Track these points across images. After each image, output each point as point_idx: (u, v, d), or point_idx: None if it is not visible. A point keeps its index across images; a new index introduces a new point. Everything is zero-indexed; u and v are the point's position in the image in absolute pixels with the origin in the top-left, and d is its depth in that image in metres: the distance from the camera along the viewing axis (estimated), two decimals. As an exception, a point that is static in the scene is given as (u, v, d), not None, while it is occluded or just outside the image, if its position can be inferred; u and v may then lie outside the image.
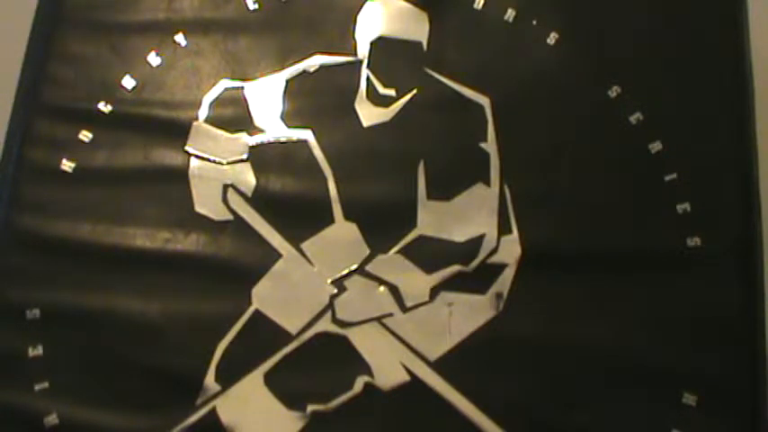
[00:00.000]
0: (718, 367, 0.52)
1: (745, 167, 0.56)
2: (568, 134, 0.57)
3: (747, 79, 0.57)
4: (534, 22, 0.59)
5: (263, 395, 0.53)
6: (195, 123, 0.59)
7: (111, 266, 0.56)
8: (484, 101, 0.58)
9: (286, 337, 0.54)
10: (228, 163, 0.58)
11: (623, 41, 0.58)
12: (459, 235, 0.55)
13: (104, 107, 0.60)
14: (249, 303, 0.54)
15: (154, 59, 0.61)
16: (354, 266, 0.55)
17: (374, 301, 0.54)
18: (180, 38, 0.61)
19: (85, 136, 0.59)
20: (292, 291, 0.54)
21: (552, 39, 0.59)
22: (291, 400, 0.52)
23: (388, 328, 0.54)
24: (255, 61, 0.60)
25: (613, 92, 0.57)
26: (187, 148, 0.58)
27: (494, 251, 0.55)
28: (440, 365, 0.53)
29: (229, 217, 0.57)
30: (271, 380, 0.53)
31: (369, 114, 0.58)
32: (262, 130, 0.58)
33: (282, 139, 0.58)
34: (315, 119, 0.58)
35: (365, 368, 0.52)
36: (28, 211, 0.58)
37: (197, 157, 0.58)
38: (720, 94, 0.57)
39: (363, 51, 0.59)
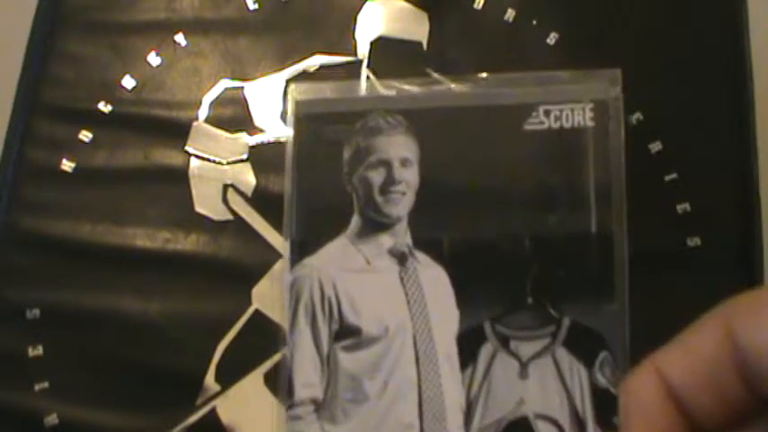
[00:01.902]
0: (718, 367, 0.52)
1: (745, 167, 0.56)
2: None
3: (747, 79, 0.57)
4: (534, 22, 0.59)
5: (263, 395, 0.53)
6: (195, 123, 0.59)
7: (111, 266, 0.56)
8: (483, 101, 0.58)
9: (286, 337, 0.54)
10: (228, 163, 0.58)
11: (623, 42, 0.58)
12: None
13: (104, 107, 0.60)
14: (249, 303, 0.54)
15: (154, 59, 0.61)
16: (354, 267, 0.55)
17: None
18: (180, 38, 0.61)
19: (85, 136, 0.59)
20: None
21: (552, 39, 0.59)
22: (291, 400, 0.52)
23: (387, 329, 0.54)
24: (255, 61, 0.60)
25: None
26: (187, 148, 0.58)
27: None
28: (439, 366, 0.53)
29: (229, 217, 0.57)
30: (271, 380, 0.53)
31: (368, 114, 0.58)
32: (262, 130, 0.58)
33: (282, 139, 0.58)
34: (315, 119, 0.58)
35: (365, 368, 0.53)
36: (28, 211, 0.58)
37: (197, 157, 0.58)
38: (720, 94, 0.57)
39: (363, 51, 0.59)
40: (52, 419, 0.53)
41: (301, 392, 0.50)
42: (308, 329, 0.50)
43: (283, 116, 0.58)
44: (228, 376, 0.53)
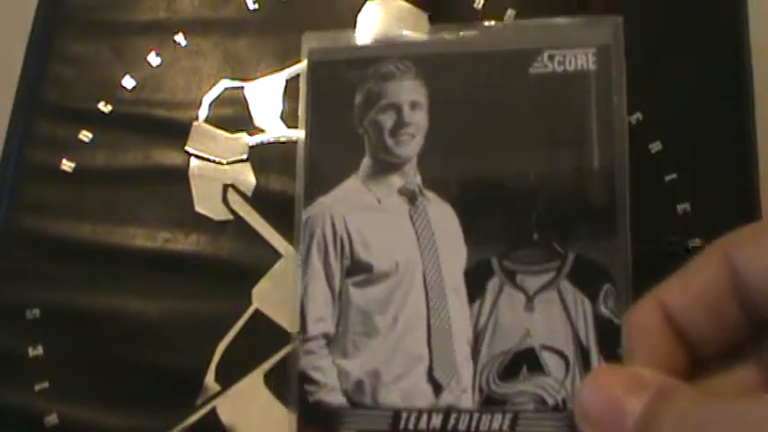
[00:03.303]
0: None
1: (746, 167, 0.56)
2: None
3: (747, 79, 0.57)
4: (534, 22, 0.59)
5: (263, 395, 0.53)
6: (195, 123, 0.59)
7: (111, 266, 0.56)
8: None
9: (286, 336, 0.54)
10: (228, 163, 0.58)
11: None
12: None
13: (104, 107, 0.60)
14: (249, 303, 0.54)
15: (154, 59, 0.61)
16: (354, 266, 0.55)
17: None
18: (180, 38, 0.61)
19: (85, 136, 0.59)
20: (292, 291, 0.54)
21: (552, 39, 0.59)
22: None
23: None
24: (255, 61, 0.60)
25: (613, 92, 0.57)
26: (187, 148, 0.58)
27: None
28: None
29: (229, 217, 0.57)
30: (271, 380, 0.53)
31: (369, 114, 0.58)
32: (262, 130, 0.58)
33: (282, 139, 0.58)
34: (315, 119, 0.58)
35: (365, 368, 0.53)
36: (28, 211, 0.58)
37: (197, 157, 0.58)
38: (720, 94, 0.57)
39: (363, 51, 0.59)
40: (52, 419, 0.53)
41: (314, 327, 0.52)
42: (321, 266, 0.52)
43: (283, 116, 0.58)
44: (228, 376, 0.53)
